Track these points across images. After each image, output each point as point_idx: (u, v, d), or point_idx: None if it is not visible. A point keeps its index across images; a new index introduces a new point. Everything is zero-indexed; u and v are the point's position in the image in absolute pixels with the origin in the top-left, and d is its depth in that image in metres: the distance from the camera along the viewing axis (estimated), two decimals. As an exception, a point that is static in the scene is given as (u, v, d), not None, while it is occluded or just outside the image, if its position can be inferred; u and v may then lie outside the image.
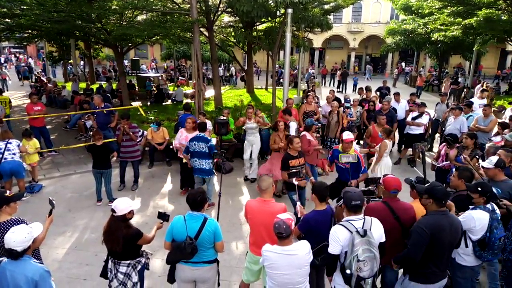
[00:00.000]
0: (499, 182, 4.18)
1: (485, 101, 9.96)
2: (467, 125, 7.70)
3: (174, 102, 15.73)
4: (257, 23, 14.13)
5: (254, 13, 9.35)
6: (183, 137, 6.84)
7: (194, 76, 10.62)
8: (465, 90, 17.91)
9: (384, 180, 3.66)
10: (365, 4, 37.03)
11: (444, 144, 6.51)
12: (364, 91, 11.09)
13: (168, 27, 11.22)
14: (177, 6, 12.62)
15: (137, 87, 18.25)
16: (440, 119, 9.34)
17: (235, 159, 8.96)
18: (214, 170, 6.60)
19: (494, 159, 4.27)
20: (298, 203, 4.12)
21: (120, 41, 12.55)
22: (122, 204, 3.36)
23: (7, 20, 11.06)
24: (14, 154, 6.47)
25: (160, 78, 19.50)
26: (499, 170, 4.23)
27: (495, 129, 7.37)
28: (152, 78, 18.78)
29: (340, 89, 22.64)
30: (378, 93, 12.75)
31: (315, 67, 33.94)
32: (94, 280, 4.40)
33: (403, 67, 32.11)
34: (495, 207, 3.60)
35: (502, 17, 13.73)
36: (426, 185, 3.33)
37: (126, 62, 29.88)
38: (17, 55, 39.74)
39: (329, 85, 25.45)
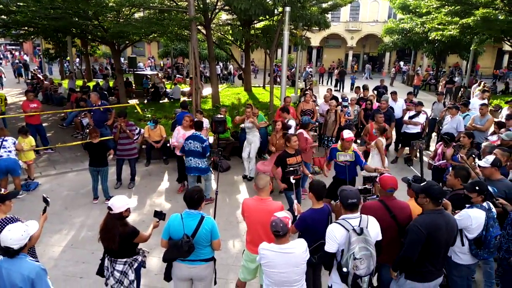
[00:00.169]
0: (495, 181, 4.20)
1: (485, 102, 9.97)
2: (463, 124, 7.74)
3: (171, 100, 15.69)
4: (255, 21, 14.08)
5: (252, 11, 9.33)
6: (180, 135, 6.82)
7: (191, 74, 10.59)
8: (462, 89, 18.02)
9: (380, 179, 3.67)
10: (363, 3, 37.15)
11: (440, 143, 6.52)
12: (361, 90, 11.10)
13: (165, 25, 11.17)
14: (174, 4, 12.58)
15: (134, 85, 18.21)
16: (437, 118, 9.37)
17: (232, 157, 8.95)
18: (211, 168, 6.57)
19: (490, 158, 4.29)
20: (295, 201, 4.13)
21: (117, 39, 12.50)
22: (119, 202, 3.35)
23: (3, 16, 10.99)
24: (10, 151, 6.43)
25: (156, 76, 19.44)
26: (495, 169, 4.25)
27: (492, 128, 7.40)
28: (149, 76, 18.73)
29: (338, 88, 22.68)
30: (375, 92, 12.77)
31: (312, 66, 33.98)
32: (91, 278, 4.38)
33: (401, 66, 32.16)
34: (491, 205, 3.62)
35: (499, 17, 13.78)
36: (422, 184, 3.34)
37: (123, 60, 29.80)
38: (13, 52, 39.50)
39: (327, 83, 25.47)
